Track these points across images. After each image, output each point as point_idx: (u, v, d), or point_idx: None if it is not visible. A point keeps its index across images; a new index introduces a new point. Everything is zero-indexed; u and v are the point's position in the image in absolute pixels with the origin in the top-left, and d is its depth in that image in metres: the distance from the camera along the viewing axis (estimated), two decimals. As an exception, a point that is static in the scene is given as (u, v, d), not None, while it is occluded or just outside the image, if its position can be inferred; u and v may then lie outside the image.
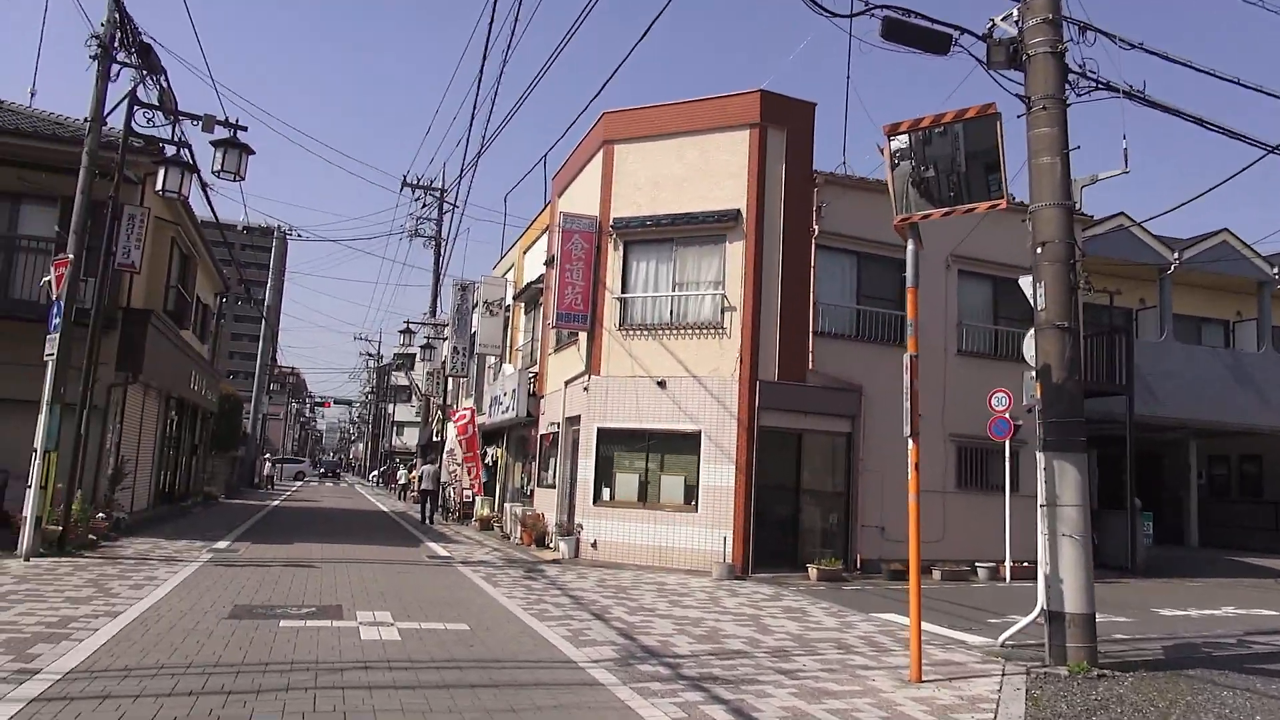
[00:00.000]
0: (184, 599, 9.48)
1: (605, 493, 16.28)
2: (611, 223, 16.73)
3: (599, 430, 16.40)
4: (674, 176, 16.37)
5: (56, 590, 9.52)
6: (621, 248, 16.76)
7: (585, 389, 16.78)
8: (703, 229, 15.95)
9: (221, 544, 15.53)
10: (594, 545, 16.05)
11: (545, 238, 20.95)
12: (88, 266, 13.91)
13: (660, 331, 16.18)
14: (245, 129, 13.96)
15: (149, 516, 19.76)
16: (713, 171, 16.06)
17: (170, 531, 17.36)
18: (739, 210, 15.65)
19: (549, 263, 19.09)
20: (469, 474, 24.34)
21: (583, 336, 17.31)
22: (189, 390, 23.03)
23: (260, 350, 45.86)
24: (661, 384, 15.85)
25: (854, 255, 16.65)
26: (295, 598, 10.04)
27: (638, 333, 16.38)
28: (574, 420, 17.57)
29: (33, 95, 15.68)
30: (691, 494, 15.50)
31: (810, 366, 15.81)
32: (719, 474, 15.19)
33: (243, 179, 13.83)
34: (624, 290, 16.67)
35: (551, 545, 17.44)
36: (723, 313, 15.68)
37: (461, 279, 28.56)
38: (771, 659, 8.06)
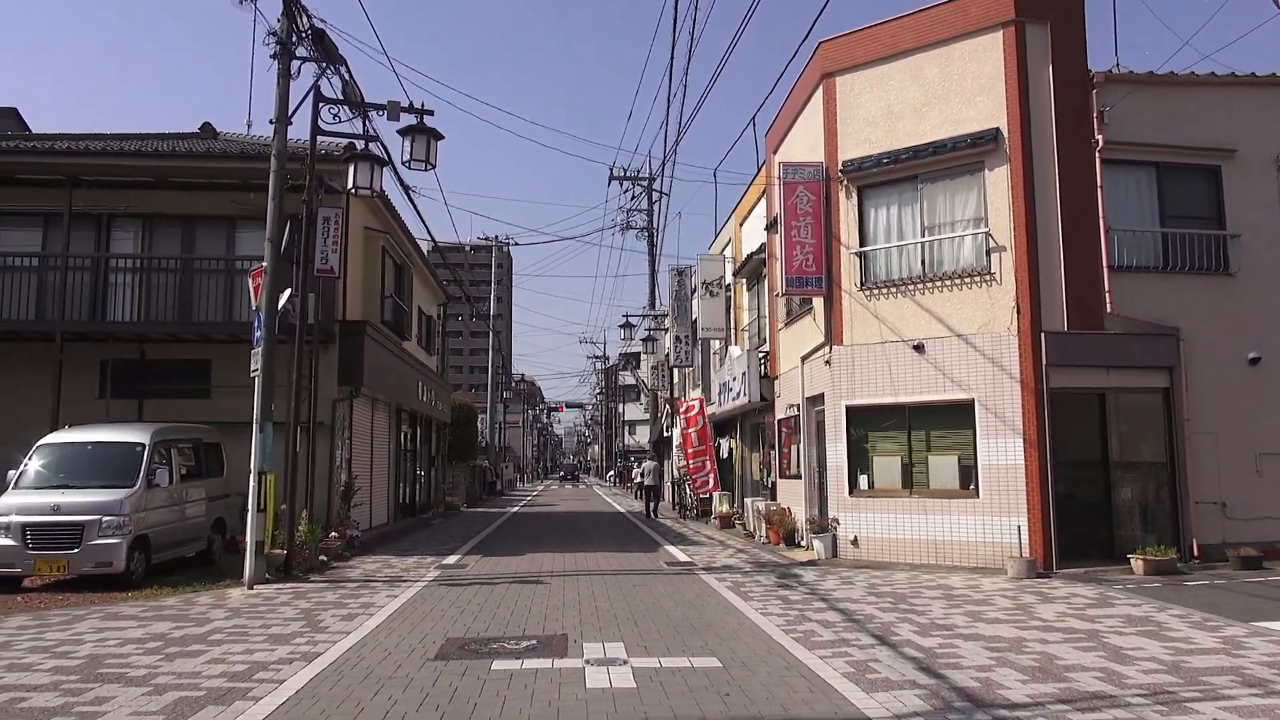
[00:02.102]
0: (393, 633, 8.25)
1: (861, 480, 13.96)
2: (840, 167, 14.36)
3: (847, 409, 14.11)
4: (911, 102, 13.79)
5: (263, 626, 8.59)
6: (855, 194, 14.37)
7: (827, 363, 14.54)
8: (953, 158, 13.29)
9: (451, 559, 14.66)
10: (854, 542, 13.78)
11: (763, 204, 18.86)
12: (298, 282, 13.39)
13: (911, 287, 13.67)
14: (431, 113, 12.92)
15: (388, 531, 19.53)
16: (959, 88, 13.35)
17: (405, 546, 16.84)
18: (998, 129, 12.87)
19: (770, 226, 17.01)
20: (703, 468, 22.66)
21: (818, 303, 15.08)
22: (418, 402, 22.86)
23: (490, 361, 46.77)
24: (918, 348, 13.35)
25: (1151, 167, 13.37)
26: (516, 625, 8.61)
27: (883, 291, 13.95)
28: (816, 400, 15.37)
29: (249, 126, 15.67)
30: (969, 476, 12.89)
31: (1108, 310, 12.73)
32: (1002, 450, 12.50)
33: (433, 166, 12.77)
34: (862, 244, 14.26)
35: (804, 544, 15.33)
36: (988, 255, 12.95)
37: (677, 263, 26.93)
38: (1156, 708, 5.59)
